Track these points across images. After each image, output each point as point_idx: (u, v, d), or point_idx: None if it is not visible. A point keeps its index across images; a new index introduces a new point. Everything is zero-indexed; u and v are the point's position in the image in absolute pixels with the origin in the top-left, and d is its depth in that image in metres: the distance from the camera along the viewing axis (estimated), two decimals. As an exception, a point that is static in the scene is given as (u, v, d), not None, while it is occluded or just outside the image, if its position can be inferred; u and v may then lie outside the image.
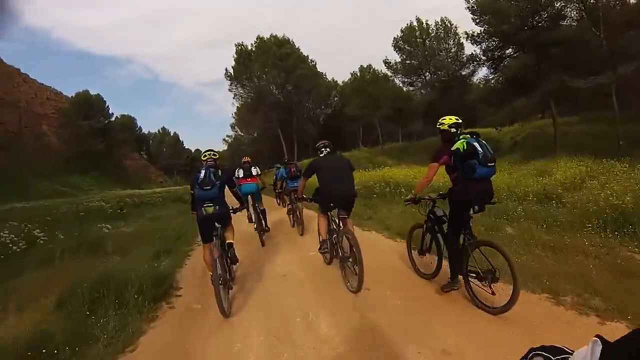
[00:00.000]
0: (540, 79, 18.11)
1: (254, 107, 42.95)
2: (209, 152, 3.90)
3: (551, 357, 0.56)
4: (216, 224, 3.62)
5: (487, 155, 2.86)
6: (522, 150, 20.67)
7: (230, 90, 42.42)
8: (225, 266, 3.60)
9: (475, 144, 2.89)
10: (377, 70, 37.07)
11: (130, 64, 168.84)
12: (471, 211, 2.99)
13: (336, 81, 47.27)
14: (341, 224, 3.90)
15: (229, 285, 3.64)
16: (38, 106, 47.34)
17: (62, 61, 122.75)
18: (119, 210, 12.32)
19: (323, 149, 4.12)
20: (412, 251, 4.03)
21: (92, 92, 50.82)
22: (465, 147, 2.89)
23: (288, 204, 7.69)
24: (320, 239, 4.22)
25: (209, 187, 3.54)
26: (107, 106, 53.94)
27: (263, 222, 6.28)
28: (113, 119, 56.02)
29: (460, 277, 3.16)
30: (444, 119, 3.20)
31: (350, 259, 3.63)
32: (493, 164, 2.91)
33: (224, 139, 66.44)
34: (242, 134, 59.08)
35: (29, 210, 11.45)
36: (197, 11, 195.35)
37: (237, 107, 48.16)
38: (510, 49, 20.88)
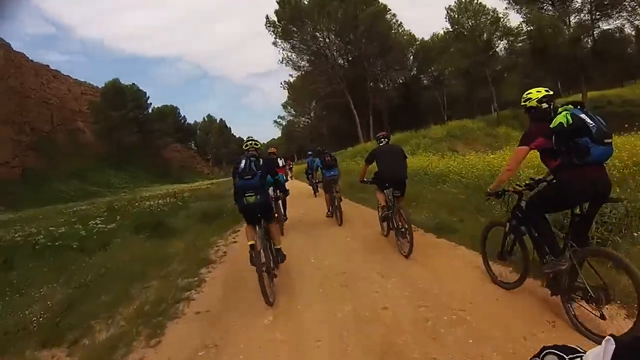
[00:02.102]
0: None
1: (312, 66, 31.80)
2: (250, 142, 3.84)
3: (564, 356, 0.55)
4: (259, 215, 3.60)
5: (603, 128, 2.18)
6: None
7: (274, 44, 31.57)
8: (269, 256, 3.59)
9: (583, 115, 2.22)
10: (482, 3, 26.80)
11: (178, 62, 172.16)
12: (577, 210, 2.39)
13: (414, 35, 36.03)
14: (395, 201, 4.52)
15: (273, 274, 3.61)
16: (72, 102, 44.40)
17: (114, 66, 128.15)
18: None
19: (382, 139, 4.88)
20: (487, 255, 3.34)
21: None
22: (570, 121, 2.22)
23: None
24: (380, 209, 4.94)
25: (249, 177, 3.51)
26: (148, 97, 49.47)
27: (282, 209, 6.70)
28: (150, 110, 51.40)
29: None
30: (530, 93, 2.54)
31: (402, 229, 4.20)
32: (610, 140, 2.23)
33: (275, 121, 58.02)
34: (295, 112, 48.63)
35: None
36: (243, 5, 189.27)
37: (290, 77, 36.93)
38: None
